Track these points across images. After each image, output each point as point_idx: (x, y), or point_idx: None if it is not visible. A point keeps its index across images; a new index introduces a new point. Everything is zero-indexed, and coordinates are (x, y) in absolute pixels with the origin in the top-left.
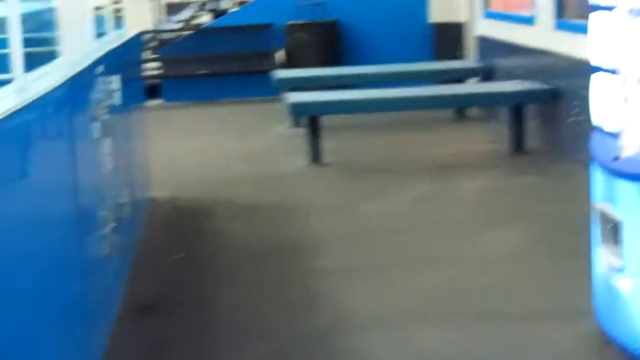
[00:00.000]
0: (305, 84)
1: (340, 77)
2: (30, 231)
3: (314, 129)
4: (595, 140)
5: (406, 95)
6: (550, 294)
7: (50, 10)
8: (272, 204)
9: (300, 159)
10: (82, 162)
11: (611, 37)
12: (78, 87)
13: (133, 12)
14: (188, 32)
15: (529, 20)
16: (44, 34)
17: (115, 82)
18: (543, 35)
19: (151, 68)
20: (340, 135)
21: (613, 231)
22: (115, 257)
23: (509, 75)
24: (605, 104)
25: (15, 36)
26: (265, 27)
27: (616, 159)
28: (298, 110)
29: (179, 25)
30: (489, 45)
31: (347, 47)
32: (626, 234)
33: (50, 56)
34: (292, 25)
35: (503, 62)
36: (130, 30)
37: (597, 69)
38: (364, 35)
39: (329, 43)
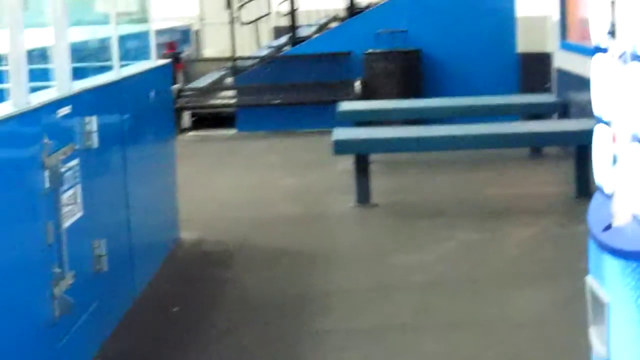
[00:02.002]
0: (371, 117)
1: (411, 111)
2: None
3: (361, 168)
4: (595, 202)
5: (457, 133)
6: None
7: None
8: (300, 250)
9: (350, 199)
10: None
11: (605, 85)
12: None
13: (216, 36)
14: (264, 61)
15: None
16: None
17: (91, 123)
18: None
19: (226, 97)
20: (403, 173)
21: (601, 313)
22: (84, 316)
23: (584, 112)
24: (603, 162)
25: None
26: (343, 56)
27: (607, 228)
28: (341, 147)
29: (264, 53)
30: (567, 79)
31: (429, 78)
32: (612, 318)
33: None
34: (371, 54)
35: (578, 98)
36: (159, 60)
37: (599, 120)
38: (447, 65)
39: (409, 74)
